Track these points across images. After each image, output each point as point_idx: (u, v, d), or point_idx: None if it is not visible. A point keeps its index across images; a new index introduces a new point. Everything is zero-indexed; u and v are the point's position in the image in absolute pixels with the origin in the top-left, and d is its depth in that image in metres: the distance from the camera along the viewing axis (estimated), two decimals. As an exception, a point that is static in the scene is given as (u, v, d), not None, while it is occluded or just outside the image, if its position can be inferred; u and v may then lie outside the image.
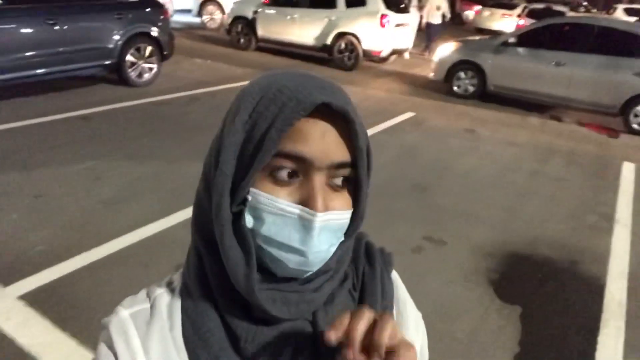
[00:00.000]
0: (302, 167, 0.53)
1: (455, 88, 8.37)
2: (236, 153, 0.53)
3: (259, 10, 10.74)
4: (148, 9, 7.10)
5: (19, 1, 5.72)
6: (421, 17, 12.49)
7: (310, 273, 0.56)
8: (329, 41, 9.98)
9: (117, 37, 6.61)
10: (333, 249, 0.57)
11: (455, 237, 3.78)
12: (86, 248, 3.12)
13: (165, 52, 7.45)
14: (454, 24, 9.89)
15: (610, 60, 7.12)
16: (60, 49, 6.06)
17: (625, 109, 7.00)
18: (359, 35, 9.65)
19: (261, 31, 10.83)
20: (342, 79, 9.06)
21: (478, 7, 21.52)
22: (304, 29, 10.26)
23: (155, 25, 7.13)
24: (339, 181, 0.55)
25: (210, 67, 9.11)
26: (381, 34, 9.58)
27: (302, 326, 0.58)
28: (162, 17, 7.34)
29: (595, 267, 3.53)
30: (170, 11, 13.13)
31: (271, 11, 10.64)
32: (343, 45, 9.87)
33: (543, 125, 7.35)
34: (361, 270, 0.66)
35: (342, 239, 0.58)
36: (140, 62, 7.07)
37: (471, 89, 8.26)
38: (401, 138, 6.07)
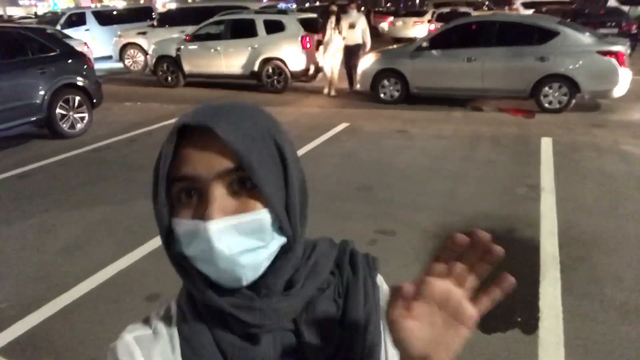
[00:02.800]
0: (194, 185, 0.57)
1: (382, 95, 8.86)
2: (153, 193, 0.59)
3: (182, 47, 10.88)
4: (70, 60, 7.09)
5: None
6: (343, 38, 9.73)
7: (246, 281, 0.58)
8: (256, 68, 10.27)
9: (43, 91, 6.55)
10: (263, 252, 0.58)
11: (404, 226, 4.08)
12: (53, 296, 3.13)
13: (94, 100, 7.43)
14: (372, 36, 10.44)
15: (515, 50, 7.85)
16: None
17: (535, 91, 7.72)
18: (284, 59, 10.01)
19: (187, 67, 10.96)
20: (274, 101, 9.34)
21: (391, 19, 22.72)
22: (230, 59, 10.50)
23: (80, 74, 7.12)
24: (243, 183, 0.57)
25: (142, 108, 9.12)
26: (304, 54, 9.99)
27: (286, 337, 0.62)
28: (85, 66, 7.34)
29: (530, 231, 3.94)
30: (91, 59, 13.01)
31: (194, 47, 10.81)
32: (270, 70, 10.19)
33: (466, 117, 7.95)
34: (345, 277, 0.68)
35: (278, 240, 0.59)
36: (71, 113, 7.02)
37: (396, 94, 8.77)
38: (340, 147, 6.38)
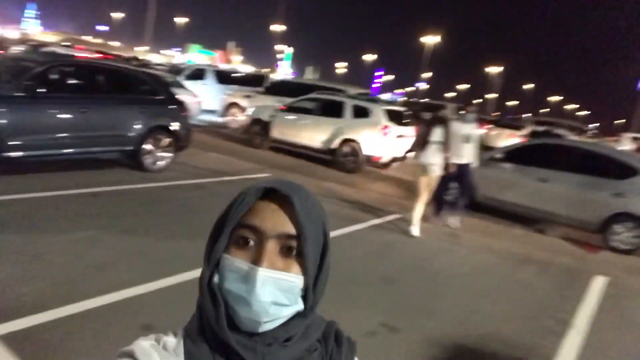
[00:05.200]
0: (257, 235, 0.70)
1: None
2: (218, 229, 0.73)
3: (275, 114, 11.84)
4: (170, 106, 8.05)
5: (60, 90, 6.68)
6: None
7: (262, 328, 0.69)
8: (334, 145, 10.83)
9: (138, 127, 7.45)
10: (285, 311, 0.70)
11: (410, 325, 4.01)
12: (67, 302, 3.48)
13: (181, 144, 8.26)
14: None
15: (591, 180, 7.58)
16: (88, 134, 6.88)
17: (605, 226, 7.31)
18: (361, 142, 10.48)
19: (275, 133, 11.82)
20: (343, 179, 9.72)
21: (489, 126, 22.75)
22: (313, 134, 11.19)
23: (174, 119, 8.01)
24: (289, 250, 0.70)
25: (223, 160, 9.91)
26: (382, 142, 10.40)
27: None
28: (182, 113, 8.26)
29: (540, 366, 3.69)
30: (197, 110, 14.49)
31: (285, 116, 11.72)
32: (347, 150, 10.68)
33: (525, 236, 7.66)
34: (330, 349, 0.78)
35: (298, 305, 0.72)
36: (157, 151, 7.85)
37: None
38: (383, 235, 6.46)
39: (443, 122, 6.54)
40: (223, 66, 31.27)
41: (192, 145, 9.63)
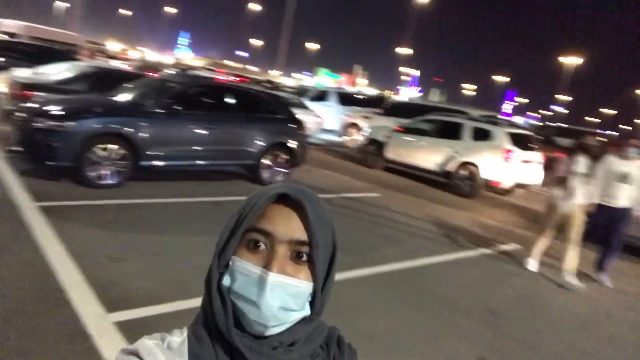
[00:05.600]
0: (269, 240, 0.70)
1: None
2: (230, 231, 0.73)
3: (391, 135, 11.82)
4: (289, 125, 8.48)
5: (193, 108, 7.43)
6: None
7: (269, 332, 0.69)
8: (450, 168, 10.46)
9: (259, 144, 7.96)
10: (293, 315, 0.70)
11: (512, 365, 3.68)
12: (176, 299, 3.80)
13: (296, 160, 8.63)
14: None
15: None
16: (215, 148, 7.53)
17: None
18: (480, 166, 9.98)
19: (389, 153, 11.79)
20: (456, 204, 9.32)
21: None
22: (429, 155, 10.94)
23: (292, 138, 8.42)
24: (299, 256, 0.70)
25: (335, 177, 10.12)
26: (503, 167, 9.79)
27: None
28: (299, 131, 8.65)
29: None
30: (317, 129, 15.05)
31: (401, 137, 11.63)
32: (464, 173, 10.24)
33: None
34: (332, 354, 0.79)
35: (305, 311, 0.72)
36: (274, 166, 8.30)
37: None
38: (495, 265, 6.03)
39: (588, 150, 5.64)
40: (347, 88, 32.15)
41: (308, 162, 10.03)
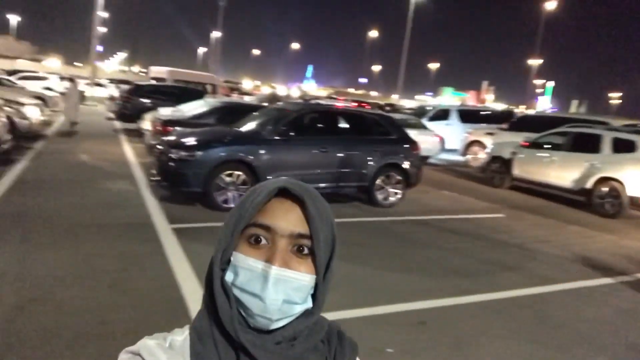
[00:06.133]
0: (270, 235, 0.70)
1: None
2: (231, 228, 0.72)
3: (517, 151, 11.03)
4: (401, 145, 8.39)
5: (307, 133, 7.74)
6: None
7: (274, 325, 0.69)
8: (588, 185, 9.39)
9: (371, 165, 7.99)
10: (296, 308, 0.71)
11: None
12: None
13: (411, 181, 8.46)
14: None
15: None
16: (331, 171, 7.74)
17: None
18: (624, 181, 8.80)
19: (517, 171, 10.99)
20: (596, 225, 8.34)
21: None
22: (562, 172, 9.97)
23: (405, 158, 8.30)
24: (301, 249, 0.71)
25: (455, 199, 9.69)
26: (654, 181, 8.52)
27: None
28: (413, 152, 8.50)
29: None
30: (437, 149, 14.64)
31: (529, 153, 10.79)
32: (605, 190, 9.11)
33: None
34: (334, 348, 0.78)
35: (308, 304, 0.73)
36: (388, 187, 8.23)
37: None
38: (624, 298, 5.22)
39: None
40: (469, 105, 30.90)
41: (426, 183, 9.79)
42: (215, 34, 59.46)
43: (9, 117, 9.34)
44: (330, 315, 3.03)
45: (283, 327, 0.71)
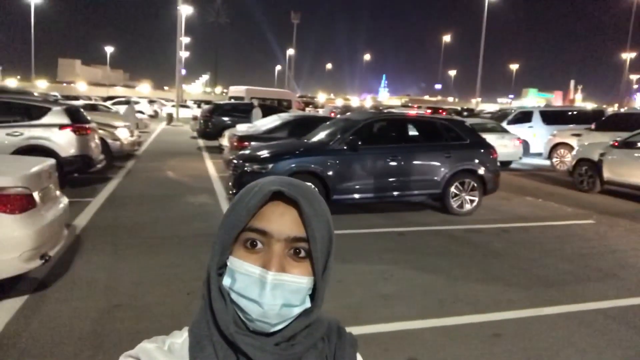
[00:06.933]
0: (265, 239, 0.69)
1: None
2: (226, 232, 0.71)
3: (607, 152, 10.20)
4: (476, 150, 8.08)
5: (375, 142, 7.71)
6: None
7: (273, 329, 0.70)
8: (693, 186, 8.45)
9: (444, 171, 7.78)
10: (295, 310, 0.70)
11: None
12: (352, 324, 3.89)
13: (488, 187, 8.11)
14: None
15: None
16: (400, 179, 7.64)
17: None
18: None
19: (608, 173, 10.15)
20: None
21: None
22: (661, 172, 9.05)
23: (480, 163, 7.98)
24: (297, 252, 0.70)
25: (538, 205, 9.14)
26: None
27: None
28: (490, 156, 8.15)
29: None
30: (519, 153, 13.93)
31: (621, 154, 9.93)
32: None
33: None
34: (333, 345, 0.78)
35: (307, 305, 0.72)
36: (463, 194, 7.95)
37: None
38: None
39: None
40: (554, 106, 29.07)
41: (507, 189, 9.36)
42: (290, 51, 61.32)
43: (102, 139, 10.23)
44: (400, 325, 3.00)
45: (282, 328, 0.71)
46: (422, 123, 8.57)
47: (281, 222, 0.69)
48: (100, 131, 10.31)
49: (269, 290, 0.67)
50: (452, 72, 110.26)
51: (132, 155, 13.35)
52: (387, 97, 79.10)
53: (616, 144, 10.15)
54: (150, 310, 4.03)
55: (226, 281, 0.71)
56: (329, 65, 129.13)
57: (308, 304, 0.72)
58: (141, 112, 24.98)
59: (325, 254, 0.72)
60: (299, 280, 0.69)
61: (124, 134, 11.91)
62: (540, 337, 3.84)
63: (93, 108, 19.29)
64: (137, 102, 31.07)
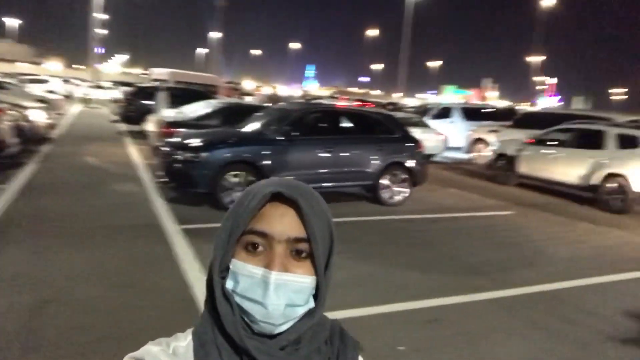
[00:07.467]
0: (267, 241, 0.69)
1: None
2: (227, 235, 0.71)
3: (522, 148, 11.01)
4: (404, 143, 8.39)
5: (310, 133, 7.75)
6: None
7: (277, 330, 0.69)
8: (595, 181, 9.36)
9: (376, 164, 7.99)
10: (299, 310, 0.70)
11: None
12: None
13: (416, 180, 8.45)
14: None
15: None
16: (334, 170, 7.74)
17: None
18: (630, 177, 8.78)
19: (522, 168, 10.97)
20: (604, 221, 8.33)
21: None
22: (568, 168, 9.94)
23: (409, 156, 8.30)
24: (299, 252, 0.70)
25: (462, 196, 9.68)
26: (661, 176, 8.49)
27: None
28: (416, 150, 8.49)
29: None
30: (441, 147, 14.63)
31: (534, 150, 10.77)
32: (612, 187, 9.09)
33: None
34: (336, 348, 0.78)
35: (310, 304, 0.72)
36: (393, 186, 8.22)
37: None
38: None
39: None
40: (472, 103, 30.85)
41: (432, 182, 9.77)
42: (215, 35, 59.49)
43: (14, 121, 9.36)
44: (343, 313, 3.07)
45: (287, 330, 0.71)
46: (355, 116, 8.72)
47: (281, 223, 0.70)
48: (11, 112, 9.42)
49: (273, 290, 0.67)
50: (379, 66, 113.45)
51: (46, 139, 12.37)
52: (316, 88, 79.58)
53: (530, 141, 10.99)
54: (84, 304, 3.78)
55: (229, 284, 0.71)
56: (256, 52, 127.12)
57: (312, 304, 0.72)
58: (53, 92, 23.11)
59: (327, 253, 0.73)
60: (302, 279, 0.70)
61: (37, 116, 10.98)
62: (475, 321, 4.10)
63: (-1, 86, 17.58)
64: (45, 81, 28.75)
